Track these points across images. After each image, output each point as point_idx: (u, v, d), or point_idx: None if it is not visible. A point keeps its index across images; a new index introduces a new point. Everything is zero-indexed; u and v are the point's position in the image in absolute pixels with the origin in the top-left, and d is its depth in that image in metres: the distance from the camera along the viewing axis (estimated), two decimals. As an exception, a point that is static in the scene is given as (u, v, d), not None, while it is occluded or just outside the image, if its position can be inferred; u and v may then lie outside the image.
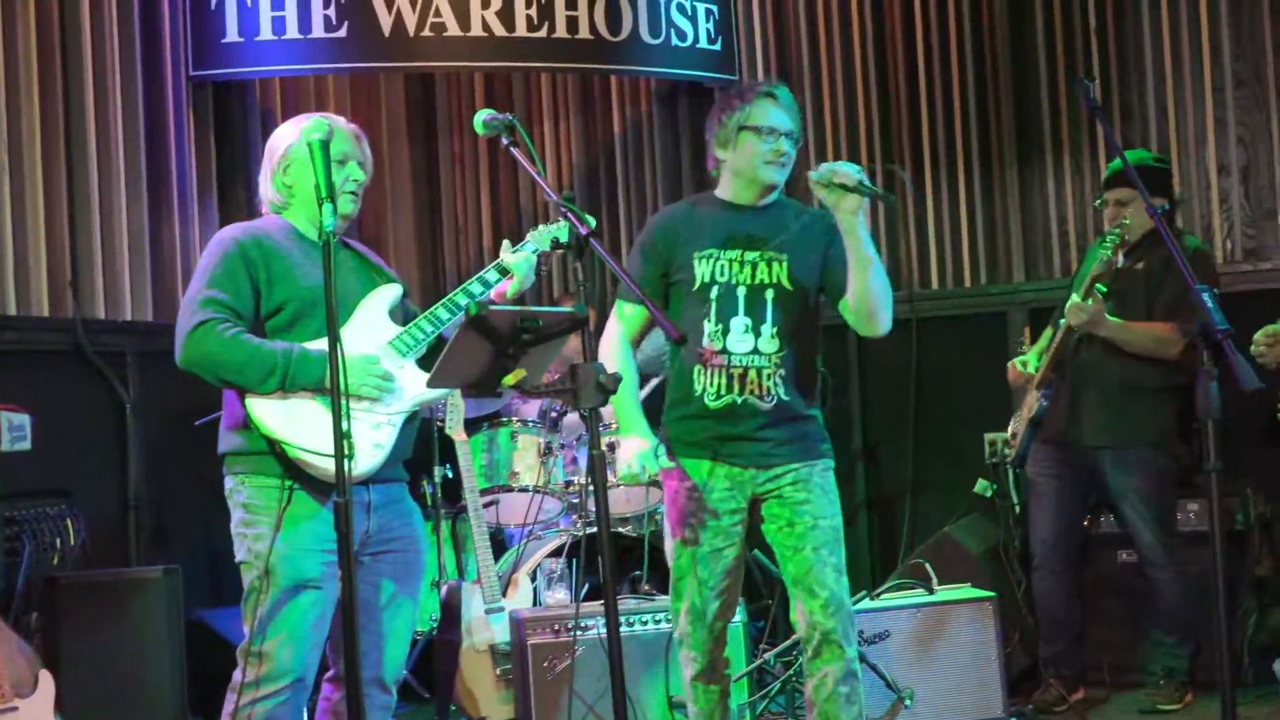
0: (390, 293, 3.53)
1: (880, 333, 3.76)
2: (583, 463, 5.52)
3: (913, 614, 4.89)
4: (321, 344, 3.30)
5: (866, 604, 4.88)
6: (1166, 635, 5.09)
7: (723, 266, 3.80)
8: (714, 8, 6.76)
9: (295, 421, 3.33)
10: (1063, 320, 4.99)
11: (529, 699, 4.53)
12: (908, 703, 4.74)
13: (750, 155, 3.80)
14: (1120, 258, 4.87)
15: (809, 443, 3.86)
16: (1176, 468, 5.11)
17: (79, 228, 5.58)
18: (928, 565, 5.11)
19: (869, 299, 3.68)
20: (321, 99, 6.91)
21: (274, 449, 3.33)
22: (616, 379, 2.64)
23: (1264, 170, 5.93)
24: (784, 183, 3.87)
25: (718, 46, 6.80)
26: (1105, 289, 4.85)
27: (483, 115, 3.12)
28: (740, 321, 3.77)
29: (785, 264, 3.81)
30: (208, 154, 6.25)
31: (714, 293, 3.79)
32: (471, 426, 5.46)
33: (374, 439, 3.34)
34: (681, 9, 6.66)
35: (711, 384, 3.79)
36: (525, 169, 2.99)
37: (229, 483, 3.51)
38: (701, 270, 3.80)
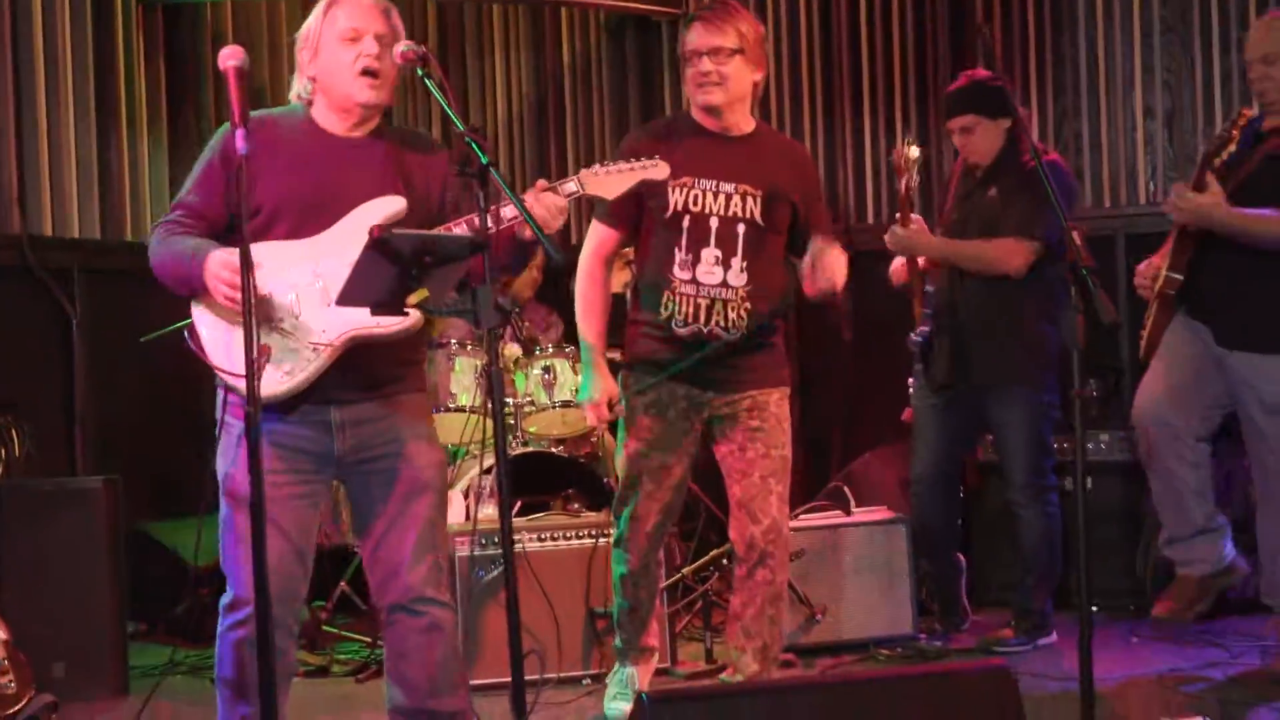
0: (389, 205, 3.23)
1: (819, 297, 3.93)
2: (520, 384, 5.67)
3: (828, 534, 5.07)
4: (228, 252, 3.12)
5: (783, 523, 5.07)
6: (1026, 575, 5.03)
7: (697, 196, 3.87)
8: (663, -58, 6.85)
9: (213, 328, 3.22)
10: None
11: (458, 609, 4.70)
12: (818, 618, 4.95)
13: (688, 81, 3.92)
14: (914, 179, 4.86)
15: (769, 369, 4.01)
16: (1056, 405, 5.04)
17: (26, 146, 5.67)
18: (846, 489, 5.30)
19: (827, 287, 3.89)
20: (273, 24, 6.98)
21: None
22: (514, 302, 2.80)
23: (1187, 115, 6.10)
24: (723, 103, 3.86)
25: (665, -20, 6.90)
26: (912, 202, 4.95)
27: (400, 47, 3.20)
28: (711, 253, 3.86)
29: (759, 200, 3.89)
30: (157, 76, 6.34)
31: (686, 221, 3.87)
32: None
33: (289, 365, 3.19)
34: (630, -58, 6.76)
35: (679, 311, 3.89)
36: (438, 100, 3.10)
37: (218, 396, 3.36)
38: (675, 198, 3.87)
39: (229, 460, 3.29)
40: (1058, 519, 5.01)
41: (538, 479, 5.49)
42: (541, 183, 3.25)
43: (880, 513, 5.24)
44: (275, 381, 3.19)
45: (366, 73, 3.27)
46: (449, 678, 3.43)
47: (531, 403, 5.55)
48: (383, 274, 2.82)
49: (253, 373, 2.80)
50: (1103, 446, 5.62)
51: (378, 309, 2.94)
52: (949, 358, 5.00)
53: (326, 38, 3.33)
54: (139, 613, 5.74)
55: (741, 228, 3.87)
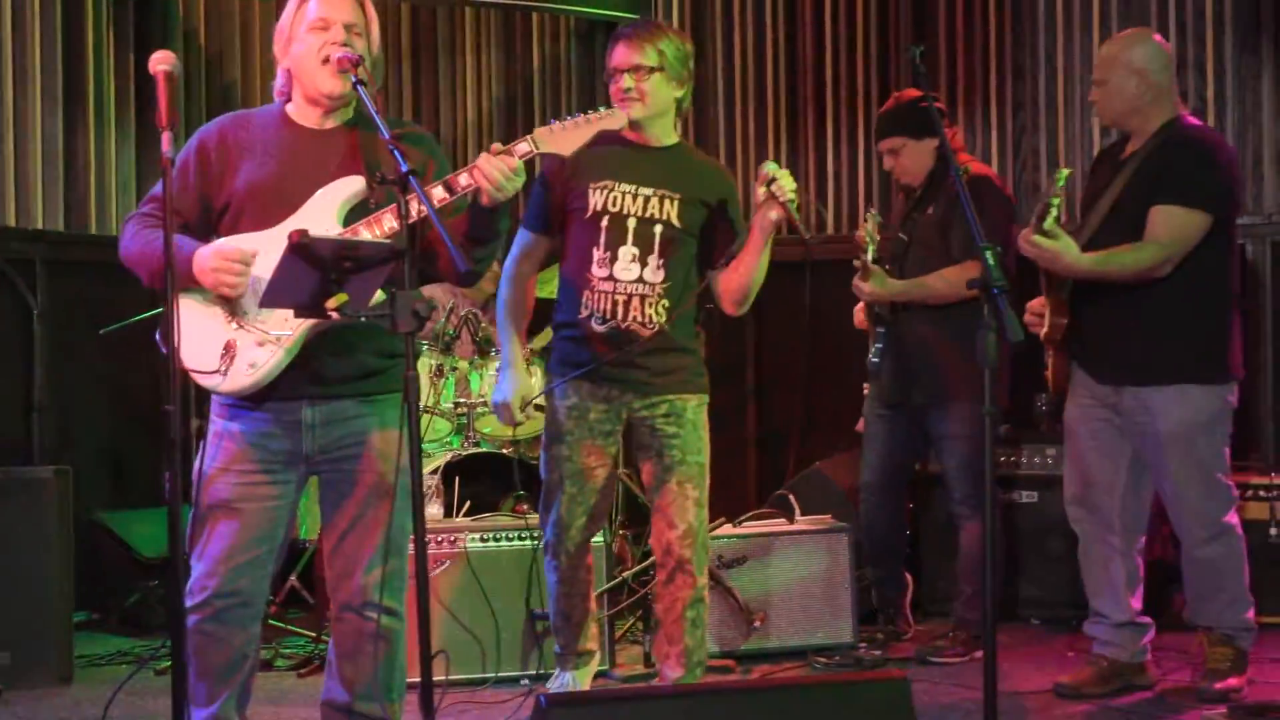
0: (345, 187, 3.25)
1: (737, 314, 4.13)
2: (475, 385, 5.72)
3: (770, 541, 5.12)
4: (220, 242, 3.20)
5: (727, 530, 5.14)
6: (965, 585, 5.11)
7: (616, 198, 4.03)
8: (630, -52, 6.91)
9: (181, 324, 3.14)
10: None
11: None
12: (756, 625, 5.00)
13: (611, 96, 4.04)
14: (873, 244, 4.96)
15: (687, 375, 4.12)
16: (998, 420, 5.15)
17: (-9, 137, 5.74)
18: (791, 497, 5.35)
19: (744, 288, 4.03)
20: (246, 20, 7.02)
21: None
22: (430, 306, 2.85)
23: (1143, 132, 6.15)
24: (643, 117, 4.00)
25: (633, -14, 6.96)
26: (876, 257, 5.00)
27: (336, 52, 3.25)
28: (628, 250, 4.01)
29: (676, 204, 4.04)
30: (126, 70, 6.38)
31: (605, 221, 4.02)
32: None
33: (252, 358, 3.18)
34: (599, -52, 6.81)
35: (598, 308, 4.01)
36: (368, 105, 3.15)
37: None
38: (595, 199, 4.03)
39: (207, 458, 3.33)
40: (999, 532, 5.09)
41: (489, 479, 5.55)
42: (495, 146, 3.27)
43: (823, 521, 5.28)
44: (242, 374, 3.21)
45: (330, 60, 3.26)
46: (384, 685, 3.46)
47: (485, 403, 5.60)
48: (303, 277, 2.87)
49: (173, 369, 2.86)
50: (1049, 460, 5.66)
51: (300, 311, 2.99)
52: (894, 377, 5.14)
53: (298, 28, 3.36)
54: (92, 602, 5.82)
55: (659, 228, 4.02)
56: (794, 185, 3.84)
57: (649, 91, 4.00)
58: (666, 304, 4.03)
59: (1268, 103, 5.96)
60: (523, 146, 3.31)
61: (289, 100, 3.43)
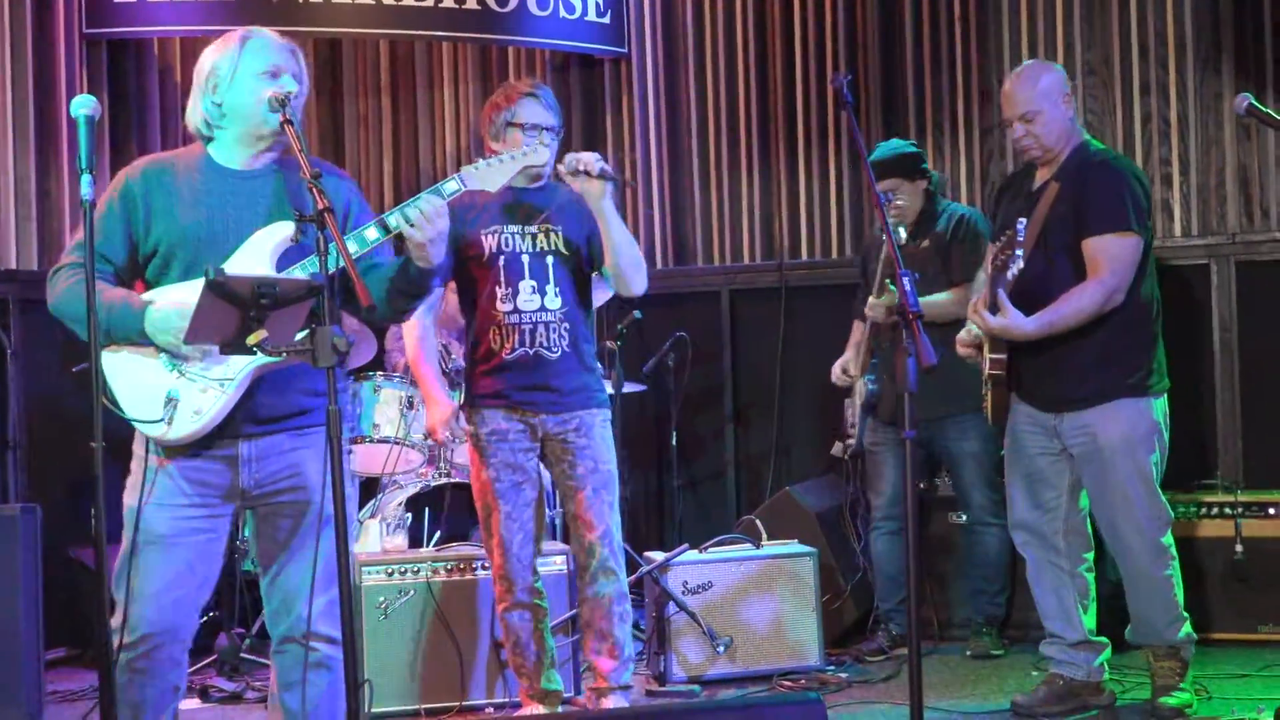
0: (278, 231, 3.32)
1: (634, 294, 4.38)
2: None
3: (735, 567, 5.16)
4: (157, 293, 3.28)
5: (692, 556, 5.16)
6: (989, 585, 5.46)
7: (507, 239, 4.33)
8: (603, -19, 6.97)
9: (121, 376, 3.31)
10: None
11: (360, 636, 4.77)
12: (720, 649, 5.02)
13: (515, 145, 4.22)
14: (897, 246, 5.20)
15: (591, 393, 4.40)
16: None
17: (-37, 178, 5.81)
18: (759, 522, 5.38)
19: (619, 268, 4.29)
20: (223, 58, 7.08)
21: None
22: (349, 342, 2.88)
23: (1109, 154, 6.17)
24: (548, 168, 4.31)
25: (607, 19, 7.01)
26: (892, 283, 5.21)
27: (267, 91, 3.32)
28: (526, 284, 4.30)
29: (560, 233, 4.36)
30: (100, 109, 6.43)
31: (501, 261, 4.30)
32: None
33: (197, 404, 3.27)
34: (570, -18, 6.88)
35: (506, 340, 4.29)
36: (295, 142, 3.20)
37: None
38: (489, 244, 4.32)
39: (139, 495, 3.35)
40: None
41: (459, 510, 5.58)
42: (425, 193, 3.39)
43: (789, 545, 5.30)
44: (186, 422, 3.28)
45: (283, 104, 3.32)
46: (328, 715, 3.47)
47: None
48: (223, 314, 2.91)
49: (96, 408, 2.89)
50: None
51: (225, 348, 3.03)
52: (897, 398, 5.26)
53: (244, 72, 3.41)
54: (73, 638, 5.85)
55: (551, 259, 4.35)
56: (595, 155, 4.13)
57: (552, 148, 4.34)
58: (568, 326, 4.33)
59: (1229, 124, 5.97)
60: (451, 185, 3.45)
61: (209, 140, 3.48)
